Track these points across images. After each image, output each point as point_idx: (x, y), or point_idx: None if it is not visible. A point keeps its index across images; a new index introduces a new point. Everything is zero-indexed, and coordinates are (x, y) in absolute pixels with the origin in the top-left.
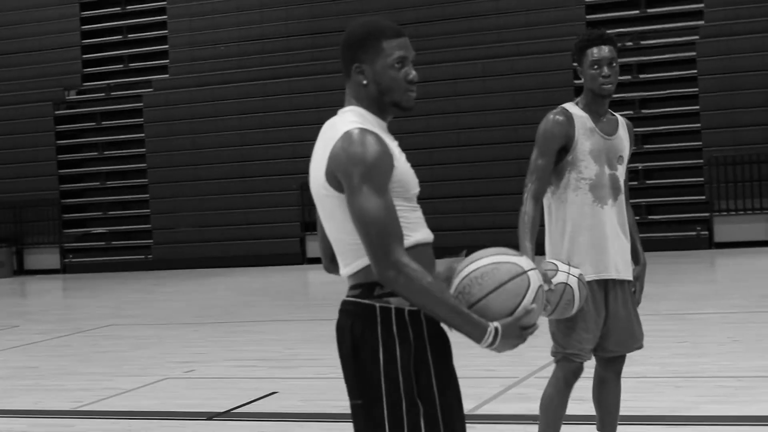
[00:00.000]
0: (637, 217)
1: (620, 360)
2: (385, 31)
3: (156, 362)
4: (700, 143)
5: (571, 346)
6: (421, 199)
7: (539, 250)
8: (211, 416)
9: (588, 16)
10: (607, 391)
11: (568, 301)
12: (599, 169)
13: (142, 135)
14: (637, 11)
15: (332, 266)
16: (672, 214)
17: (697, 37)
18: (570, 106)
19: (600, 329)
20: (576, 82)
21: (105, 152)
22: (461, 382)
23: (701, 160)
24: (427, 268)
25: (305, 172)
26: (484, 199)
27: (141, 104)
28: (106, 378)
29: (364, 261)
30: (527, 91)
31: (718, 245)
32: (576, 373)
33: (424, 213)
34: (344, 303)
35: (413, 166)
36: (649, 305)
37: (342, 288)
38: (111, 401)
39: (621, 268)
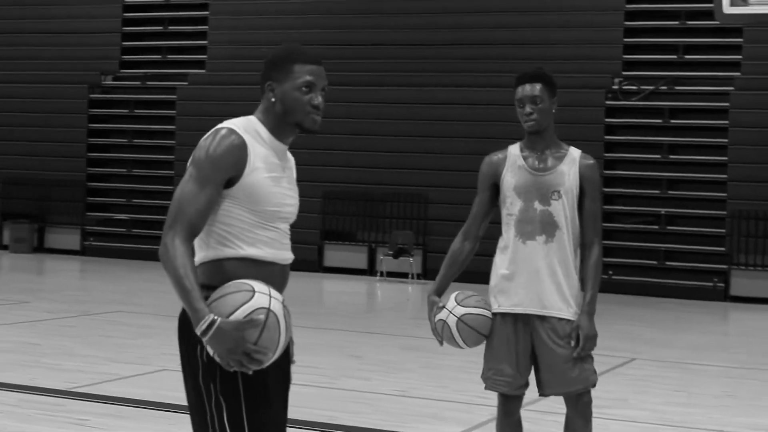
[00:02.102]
0: (654, 262)
1: (576, 400)
2: (300, 57)
3: (156, 353)
4: (725, 194)
5: (484, 372)
6: None
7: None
8: None
9: (625, 56)
10: (568, 428)
11: (449, 337)
12: (524, 204)
13: (173, 127)
14: (675, 56)
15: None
16: (690, 263)
17: (732, 88)
18: (512, 146)
19: (524, 363)
20: (607, 120)
21: (135, 140)
22: (454, 406)
23: (725, 212)
24: (269, 284)
25: (328, 180)
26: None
27: (175, 96)
28: (105, 363)
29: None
30: (557, 125)
31: (733, 298)
32: (506, 402)
33: None
34: None
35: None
36: (652, 351)
37: (356, 299)
38: (105, 386)
39: (548, 304)
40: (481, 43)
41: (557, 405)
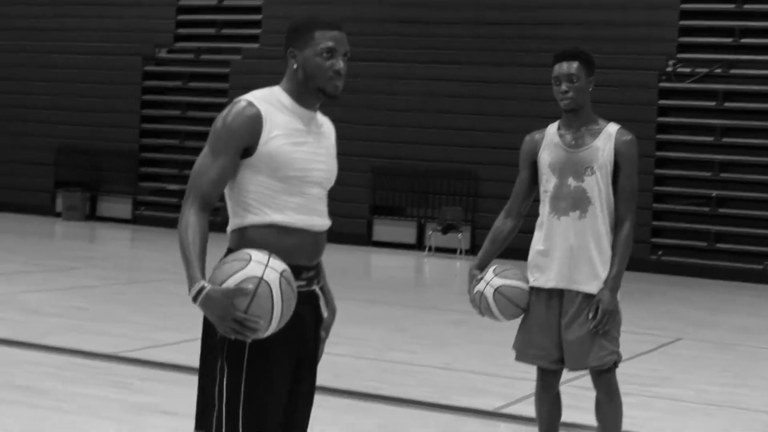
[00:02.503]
0: (704, 244)
1: (601, 379)
2: (320, 23)
3: (200, 321)
4: None
5: (515, 344)
6: None
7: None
8: None
9: (680, 38)
10: (598, 407)
11: (486, 308)
12: (559, 181)
13: (226, 100)
14: (731, 39)
15: None
16: (740, 245)
17: None
18: (551, 125)
19: (555, 338)
20: (660, 102)
21: (188, 112)
22: (497, 380)
23: None
24: (282, 252)
25: (379, 155)
26: None
27: (228, 70)
28: (150, 329)
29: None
30: (610, 105)
31: None
32: (543, 376)
33: None
34: None
35: None
36: (699, 331)
37: (404, 274)
38: (150, 351)
39: (578, 279)
40: (536, 22)
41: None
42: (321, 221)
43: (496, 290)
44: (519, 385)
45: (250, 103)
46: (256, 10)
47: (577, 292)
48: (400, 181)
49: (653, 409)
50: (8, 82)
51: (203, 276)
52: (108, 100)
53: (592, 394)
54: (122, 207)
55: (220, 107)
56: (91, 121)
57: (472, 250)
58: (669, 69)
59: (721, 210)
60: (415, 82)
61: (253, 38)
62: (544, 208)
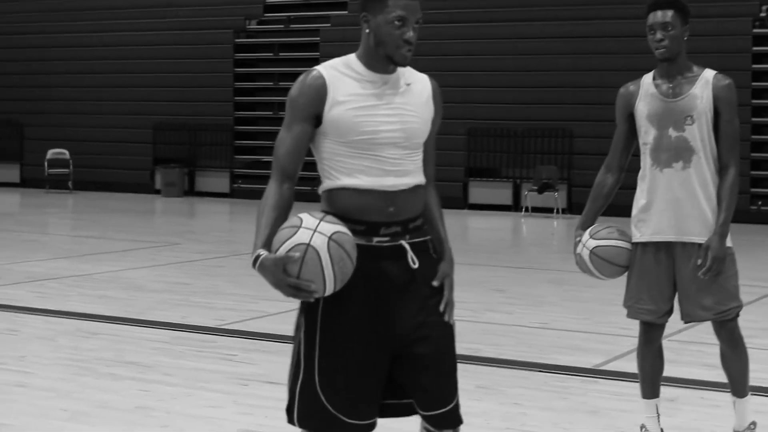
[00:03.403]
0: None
1: (722, 329)
2: None
3: None
4: None
5: (625, 301)
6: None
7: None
8: None
9: None
10: (723, 359)
11: (586, 269)
12: (659, 132)
13: None
14: None
15: None
16: None
17: None
18: (646, 75)
19: (666, 292)
20: (755, 49)
21: (280, 83)
22: (596, 337)
23: None
24: (353, 212)
25: (473, 117)
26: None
27: (318, 39)
28: (253, 300)
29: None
30: (704, 54)
31: None
32: (647, 330)
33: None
34: None
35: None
36: None
37: (501, 235)
38: (252, 323)
39: (687, 230)
40: None
41: (701, 334)
42: (397, 180)
43: (592, 251)
44: (620, 341)
45: (317, 73)
46: None
47: (691, 243)
48: (494, 142)
49: (756, 361)
50: (104, 62)
51: (264, 245)
52: (201, 76)
53: (695, 348)
54: (219, 181)
55: None
56: (185, 97)
57: (569, 209)
58: (762, 15)
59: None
60: (506, 41)
61: (341, 5)
62: (645, 161)
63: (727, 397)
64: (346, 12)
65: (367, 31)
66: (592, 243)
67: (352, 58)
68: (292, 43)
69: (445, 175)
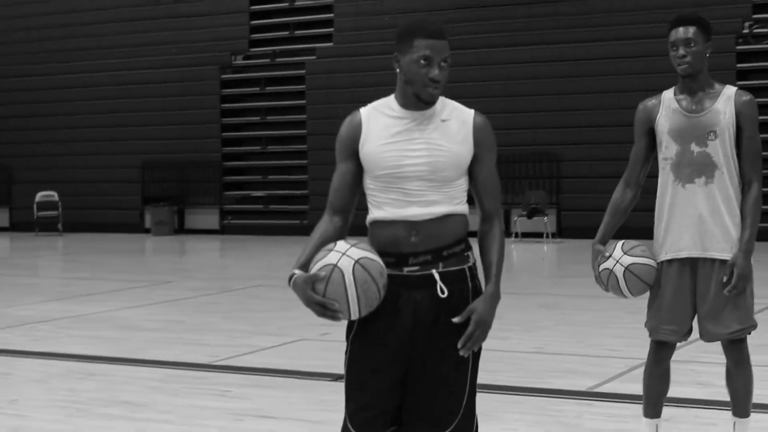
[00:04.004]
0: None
1: (731, 347)
2: (420, 31)
3: (295, 324)
4: None
5: (647, 322)
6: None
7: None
8: (337, 377)
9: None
10: (728, 377)
11: (614, 286)
12: (681, 147)
13: (304, 102)
14: None
15: None
16: None
17: None
18: (666, 91)
19: (688, 310)
20: (738, 66)
21: (267, 117)
22: (590, 360)
23: None
24: (385, 244)
25: None
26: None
27: (304, 71)
28: (246, 336)
29: None
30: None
31: None
32: (658, 350)
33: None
34: None
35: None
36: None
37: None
38: (246, 357)
39: (710, 246)
40: None
41: (694, 353)
42: (420, 210)
43: (627, 269)
44: (612, 363)
45: (357, 112)
46: (328, 8)
47: (713, 260)
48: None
49: (761, 379)
50: (91, 103)
51: (301, 266)
52: (188, 113)
53: (688, 367)
54: (209, 218)
55: (298, 109)
56: (173, 135)
57: (559, 233)
58: (746, 31)
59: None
60: (493, 66)
61: (326, 37)
62: (667, 177)
63: (722, 415)
64: (331, 44)
65: (398, 70)
66: (628, 260)
67: (391, 97)
68: (278, 77)
69: None
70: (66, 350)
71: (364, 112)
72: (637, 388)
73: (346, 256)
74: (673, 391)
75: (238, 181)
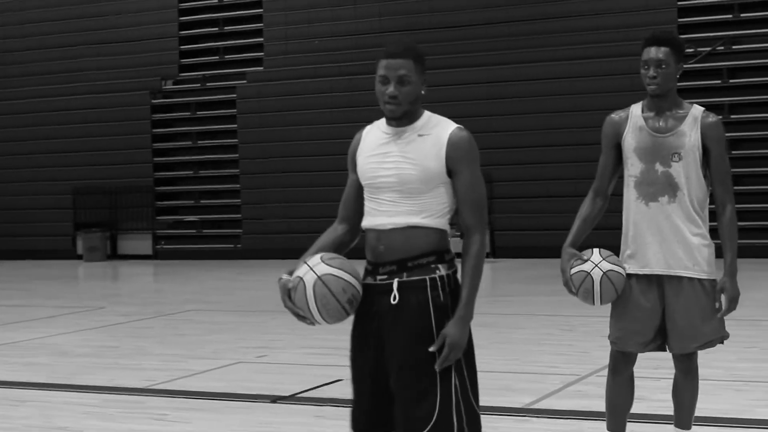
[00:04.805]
0: (737, 220)
1: (683, 358)
2: (381, 53)
3: (230, 347)
4: None
5: (611, 332)
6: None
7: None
8: (275, 399)
9: (680, 20)
10: (676, 388)
11: (587, 289)
12: (645, 166)
13: (235, 126)
14: (730, 15)
15: None
16: (761, 221)
17: None
18: (635, 106)
19: (654, 323)
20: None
21: (198, 142)
22: (526, 377)
23: None
24: (367, 252)
25: None
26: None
27: (235, 95)
28: (181, 360)
29: None
30: (620, 93)
31: None
32: (619, 361)
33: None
34: None
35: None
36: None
37: None
38: (182, 381)
39: (673, 263)
40: (540, 17)
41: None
42: (387, 219)
43: (605, 274)
44: (548, 380)
45: (361, 129)
46: (257, 33)
47: (679, 277)
48: None
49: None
50: (19, 129)
51: (290, 271)
52: (119, 138)
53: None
54: (142, 243)
55: (229, 134)
56: (104, 161)
57: (493, 253)
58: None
59: (736, 187)
60: (432, 88)
61: (257, 61)
62: (630, 193)
63: (660, 429)
64: (261, 68)
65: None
66: (607, 266)
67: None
68: (209, 101)
69: None
70: None
71: (366, 128)
72: (573, 404)
73: (311, 271)
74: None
75: (171, 205)
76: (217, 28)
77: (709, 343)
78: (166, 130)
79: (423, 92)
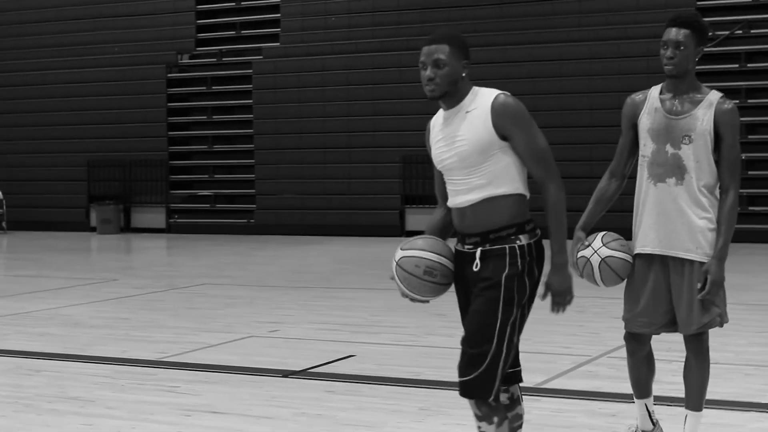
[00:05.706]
0: (738, 208)
1: (692, 339)
2: (422, 42)
3: (243, 321)
4: None
5: (623, 314)
6: None
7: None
8: (286, 374)
9: (699, 3)
10: (687, 370)
11: (589, 274)
12: (656, 147)
13: (251, 101)
14: None
15: None
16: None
17: None
18: (654, 87)
19: (662, 304)
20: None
21: (213, 116)
22: (538, 357)
23: None
24: (456, 224)
25: (409, 145)
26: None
27: (251, 71)
28: (193, 333)
29: None
30: (636, 75)
31: None
32: (632, 341)
33: None
34: None
35: None
36: (735, 295)
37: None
38: (194, 354)
39: (675, 244)
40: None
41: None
42: (463, 198)
43: (603, 260)
44: (561, 360)
45: (429, 120)
46: (274, 8)
47: (683, 260)
48: (429, 169)
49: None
50: (35, 101)
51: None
52: (134, 112)
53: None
54: (156, 217)
55: (244, 109)
56: (119, 134)
57: None
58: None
59: (751, 172)
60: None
61: (273, 37)
62: (642, 173)
63: (669, 411)
64: (278, 44)
65: None
66: (606, 252)
67: None
68: (224, 77)
69: (381, 203)
70: (12, 347)
71: (433, 118)
72: (583, 384)
73: (393, 259)
74: (619, 387)
75: (185, 179)
76: (234, 3)
77: (707, 324)
78: (181, 104)
79: (464, 75)
